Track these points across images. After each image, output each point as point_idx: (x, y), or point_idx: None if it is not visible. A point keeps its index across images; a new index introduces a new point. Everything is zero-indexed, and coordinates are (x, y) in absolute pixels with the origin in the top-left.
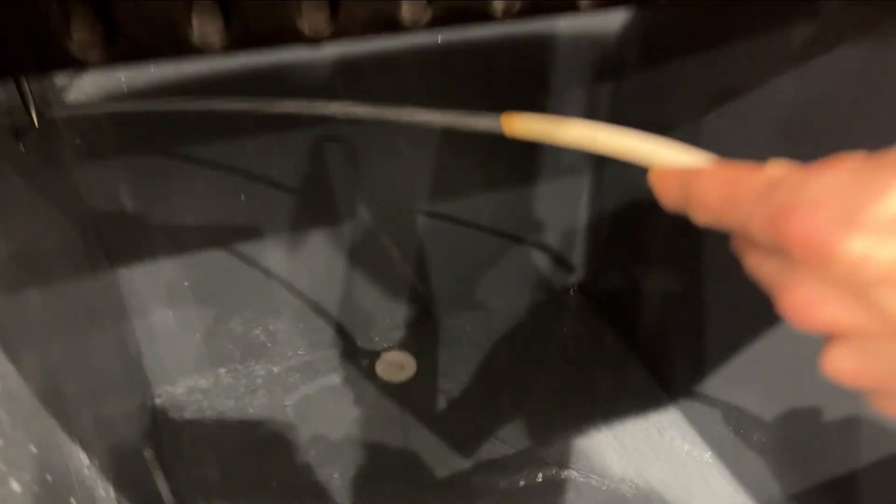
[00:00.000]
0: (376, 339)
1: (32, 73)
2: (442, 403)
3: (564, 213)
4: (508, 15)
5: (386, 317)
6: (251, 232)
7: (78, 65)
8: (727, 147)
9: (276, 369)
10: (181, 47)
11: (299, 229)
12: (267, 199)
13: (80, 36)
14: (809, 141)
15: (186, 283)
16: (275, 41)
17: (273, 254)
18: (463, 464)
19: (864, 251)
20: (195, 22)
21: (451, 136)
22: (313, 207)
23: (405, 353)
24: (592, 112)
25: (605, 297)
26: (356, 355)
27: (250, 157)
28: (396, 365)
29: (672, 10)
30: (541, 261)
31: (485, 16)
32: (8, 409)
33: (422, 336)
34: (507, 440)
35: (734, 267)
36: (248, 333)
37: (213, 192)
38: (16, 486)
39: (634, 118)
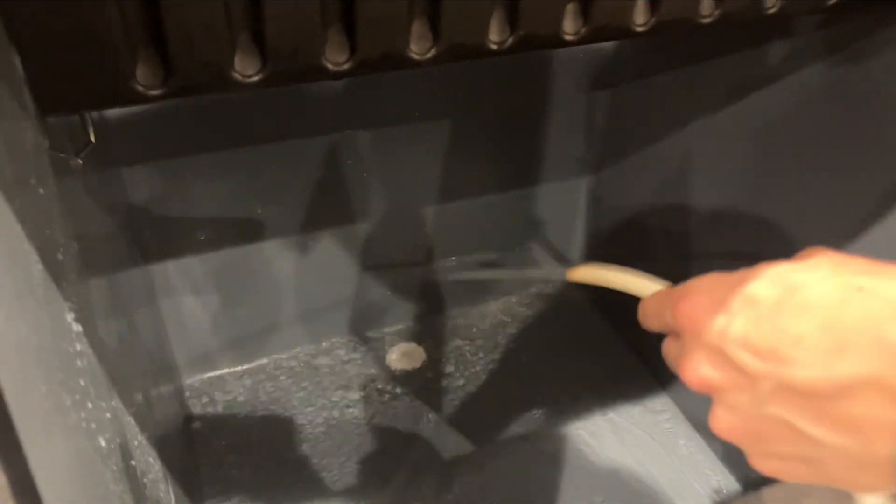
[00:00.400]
0: (388, 330)
1: (104, 108)
2: (450, 390)
3: (564, 211)
4: (503, 50)
5: (397, 310)
6: (269, 231)
7: (142, 100)
8: (709, 159)
9: (292, 361)
10: (225, 83)
11: (314, 228)
12: (283, 201)
13: (144, 75)
14: (782, 152)
15: (210, 280)
16: (303, 78)
17: (290, 251)
18: (468, 446)
19: (723, 324)
20: (237, 61)
21: (456, 142)
22: (327, 208)
23: (415, 344)
24: (590, 120)
25: (602, 290)
26: (369, 345)
27: (267, 162)
28: (407, 355)
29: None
30: (542, 257)
31: (482, 52)
32: (91, 381)
33: (430, 328)
34: (511, 424)
35: (716, 263)
36: (266, 326)
37: (234, 194)
38: (102, 443)
39: (629, 128)
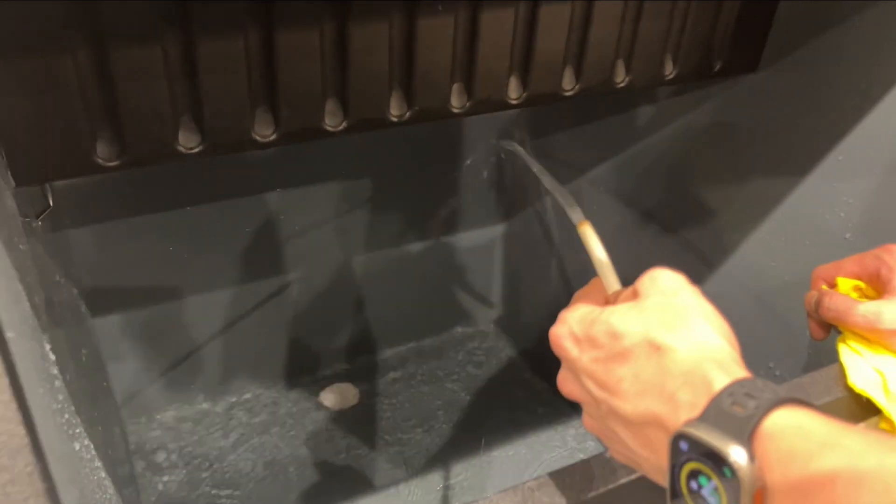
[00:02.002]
0: (322, 372)
1: (69, 178)
2: (381, 425)
3: (482, 259)
4: (402, 122)
5: (330, 352)
6: (205, 284)
7: (101, 171)
8: (598, 197)
9: (233, 402)
10: (171, 155)
11: (249, 280)
12: (218, 256)
13: (102, 150)
14: (684, 180)
15: (148, 330)
16: (236, 149)
17: (225, 302)
18: (399, 474)
19: (576, 355)
20: (180, 136)
21: (378, 197)
22: (260, 261)
23: (348, 384)
24: (500, 174)
25: (519, 328)
26: (303, 387)
27: (201, 222)
28: (341, 394)
29: None
30: (465, 300)
31: (385, 123)
32: (65, 398)
33: (364, 368)
34: (438, 454)
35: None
36: (201, 371)
37: (169, 252)
38: (77, 447)
39: (532, 179)
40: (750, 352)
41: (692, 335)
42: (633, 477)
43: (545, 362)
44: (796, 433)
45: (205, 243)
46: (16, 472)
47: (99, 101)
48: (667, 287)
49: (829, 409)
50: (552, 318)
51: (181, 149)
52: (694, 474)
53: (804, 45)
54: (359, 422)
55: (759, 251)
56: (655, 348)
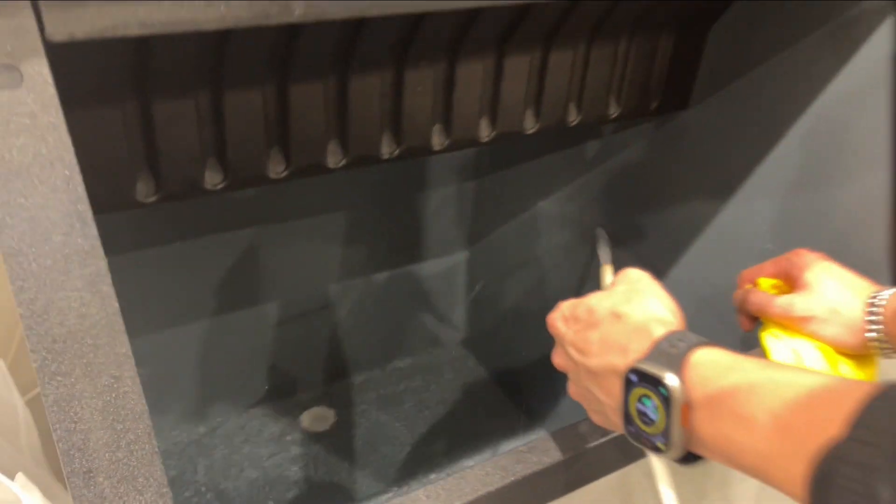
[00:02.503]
0: (301, 396)
1: (111, 211)
2: (358, 445)
3: (447, 283)
4: (392, 158)
5: (308, 377)
6: (187, 314)
7: (139, 206)
8: (552, 225)
9: (213, 426)
10: (199, 191)
11: (231, 310)
12: (201, 287)
13: (141, 189)
14: (630, 203)
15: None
16: (254, 183)
17: (212, 331)
18: (377, 488)
19: (564, 331)
20: (207, 175)
21: (352, 231)
22: (244, 291)
23: (325, 407)
24: (459, 202)
25: (483, 347)
26: (283, 411)
27: (186, 256)
28: (318, 417)
29: None
30: (432, 324)
31: (378, 160)
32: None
33: (340, 391)
34: (413, 469)
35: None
36: (188, 398)
37: (151, 283)
38: None
39: (490, 209)
40: None
41: (645, 306)
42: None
43: (509, 378)
44: (710, 363)
45: (185, 275)
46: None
47: (140, 146)
48: (632, 278)
49: None
50: (514, 337)
51: (208, 185)
52: (640, 398)
53: (725, 86)
54: (336, 442)
55: (698, 262)
56: (617, 316)
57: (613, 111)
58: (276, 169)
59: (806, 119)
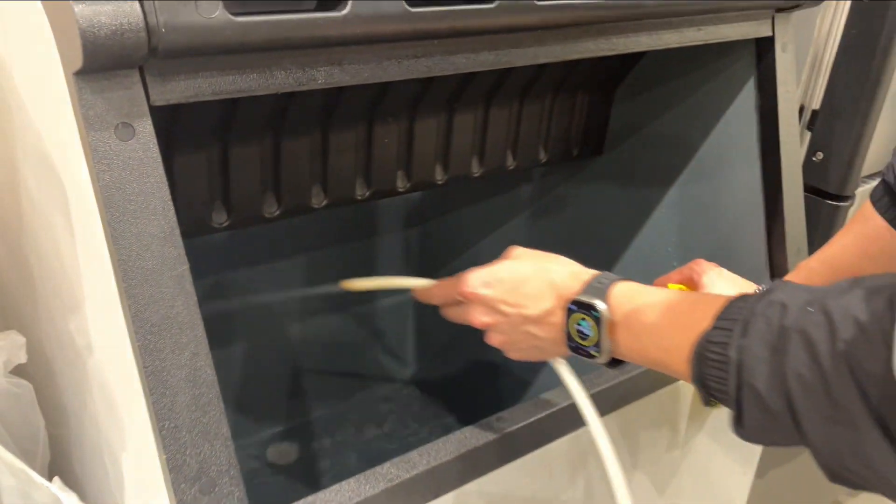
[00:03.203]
0: (264, 433)
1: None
2: (322, 479)
3: (397, 322)
4: (365, 199)
5: (272, 414)
6: None
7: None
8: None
9: None
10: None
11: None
12: None
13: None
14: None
15: None
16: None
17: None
18: None
19: (488, 291)
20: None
21: (310, 274)
22: (208, 334)
23: (289, 442)
24: (406, 248)
25: (432, 380)
26: (249, 447)
27: None
28: (283, 451)
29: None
30: (385, 360)
31: (354, 201)
32: None
33: (302, 426)
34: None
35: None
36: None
37: None
38: None
39: (437, 249)
40: None
41: (563, 263)
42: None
43: (456, 404)
44: (626, 291)
45: None
46: None
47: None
48: (522, 250)
49: None
50: (462, 371)
51: (214, 224)
52: (578, 322)
53: (632, 134)
54: (301, 475)
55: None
56: (544, 269)
57: (543, 157)
58: (270, 209)
59: (696, 158)
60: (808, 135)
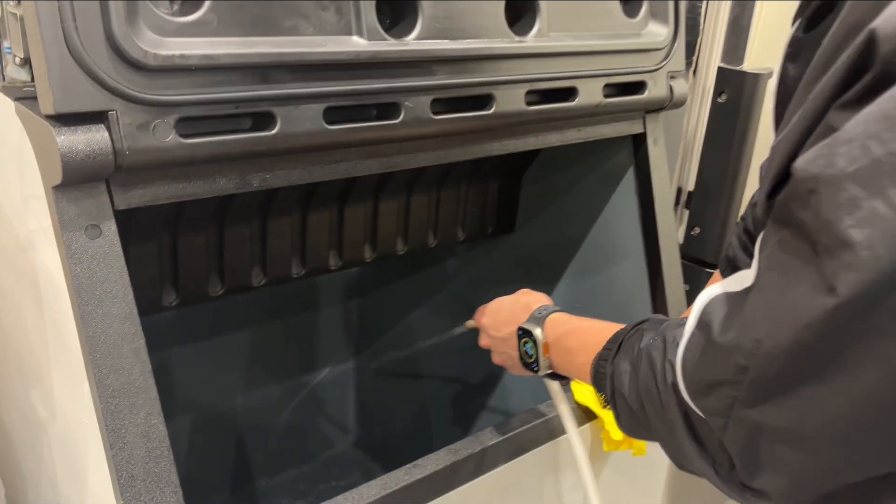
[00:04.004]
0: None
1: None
2: None
3: (339, 392)
4: (338, 269)
5: (218, 483)
6: None
7: (162, 310)
8: (426, 327)
9: None
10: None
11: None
12: None
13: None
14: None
15: None
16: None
17: None
18: None
19: (485, 321)
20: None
21: (252, 352)
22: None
23: None
24: (347, 317)
25: (372, 444)
26: None
27: None
28: None
29: None
30: (326, 427)
31: (328, 270)
32: None
33: (248, 495)
34: None
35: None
36: None
37: None
38: None
39: (374, 322)
40: None
41: (527, 296)
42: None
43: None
44: (557, 319)
45: None
46: None
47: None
48: (522, 290)
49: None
50: (399, 433)
51: (164, 304)
52: (524, 343)
53: (538, 214)
54: None
55: None
56: (515, 302)
57: (461, 236)
58: (215, 289)
59: (592, 233)
60: (686, 213)
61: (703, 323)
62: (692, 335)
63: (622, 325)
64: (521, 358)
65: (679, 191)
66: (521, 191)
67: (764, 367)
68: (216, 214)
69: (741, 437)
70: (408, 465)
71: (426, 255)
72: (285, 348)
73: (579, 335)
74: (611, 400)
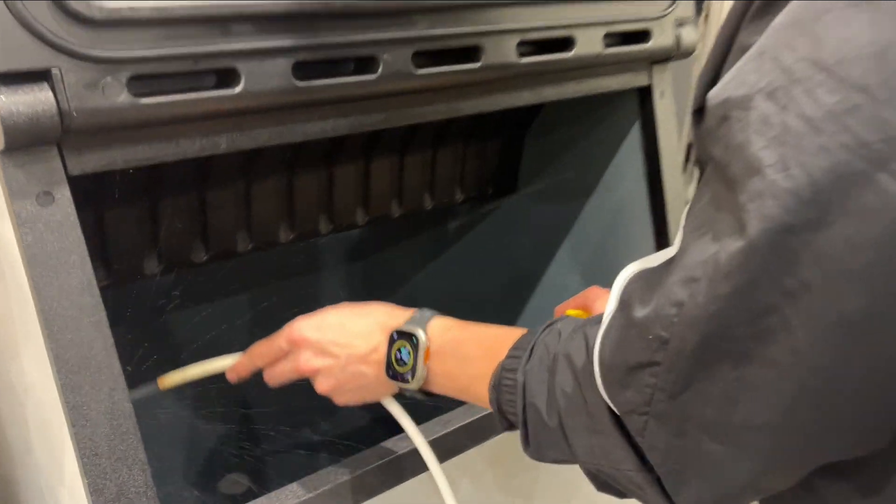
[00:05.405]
0: (215, 466)
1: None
2: None
3: None
4: (288, 242)
5: (222, 449)
6: None
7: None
8: (447, 281)
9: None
10: (138, 276)
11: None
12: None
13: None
14: (478, 270)
15: None
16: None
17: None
18: None
19: (319, 337)
20: (146, 263)
21: (254, 311)
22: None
23: (239, 473)
24: (348, 283)
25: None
26: (201, 480)
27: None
28: (234, 482)
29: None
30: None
31: (278, 243)
32: None
33: (251, 461)
34: None
35: None
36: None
37: None
38: None
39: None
40: None
41: (385, 305)
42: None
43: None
44: (444, 324)
45: None
46: None
47: (96, 241)
48: (346, 303)
49: None
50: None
51: (147, 272)
52: (398, 349)
53: (541, 174)
54: None
55: (535, 308)
56: (369, 312)
57: (459, 197)
58: (199, 255)
59: (596, 193)
60: (696, 171)
61: (623, 303)
62: (612, 318)
63: (521, 329)
64: (391, 367)
65: (689, 147)
66: (524, 149)
67: (685, 336)
68: (197, 176)
69: (663, 439)
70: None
71: (423, 218)
72: (285, 320)
73: (476, 341)
74: (520, 415)
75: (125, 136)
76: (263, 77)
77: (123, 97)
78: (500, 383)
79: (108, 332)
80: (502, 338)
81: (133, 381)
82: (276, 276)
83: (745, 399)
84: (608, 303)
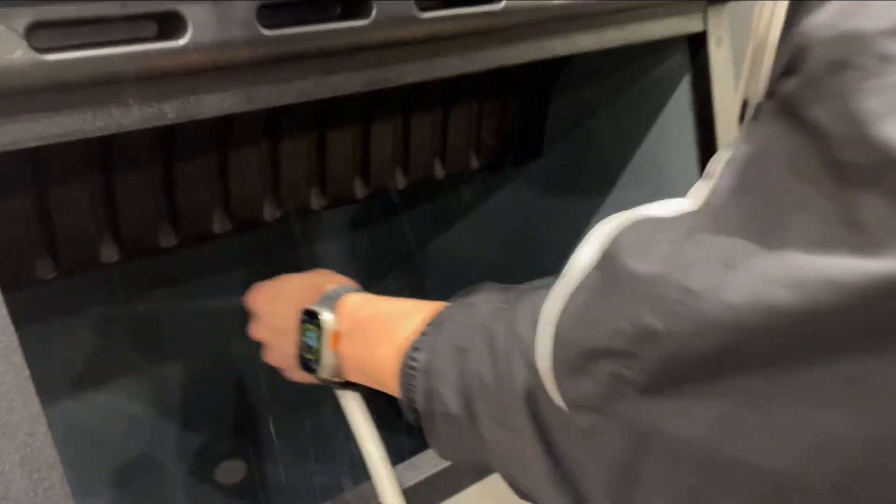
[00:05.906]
0: (214, 449)
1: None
2: (270, 492)
3: None
4: (275, 220)
5: (218, 434)
6: (98, 379)
7: (37, 282)
8: (459, 254)
9: (135, 483)
10: (92, 265)
11: (137, 374)
12: (108, 356)
13: (42, 265)
14: (498, 242)
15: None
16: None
17: (117, 396)
18: None
19: (255, 305)
20: (102, 250)
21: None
22: (149, 357)
23: (237, 461)
24: (354, 254)
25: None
26: (198, 468)
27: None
28: (231, 470)
29: None
30: None
31: (262, 222)
32: None
33: (248, 445)
34: None
35: None
36: (112, 458)
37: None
38: None
39: (380, 260)
40: None
41: (326, 277)
42: None
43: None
44: (358, 301)
45: (91, 345)
46: None
47: (38, 228)
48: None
49: None
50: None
51: (104, 260)
52: (306, 332)
53: (570, 135)
54: (250, 493)
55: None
56: (302, 286)
57: (475, 164)
58: (167, 240)
59: (636, 158)
60: None
61: (609, 257)
62: (586, 277)
63: (433, 301)
64: (300, 354)
65: (745, 104)
66: (549, 107)
67: (706, 333)
68: (159, 147)
69: (617, 447)
70: None
71: (433, 190)
72: None
73: (386, 317)
74: (425, 406)
75: (35, 104)
76: (218, 25)
77: (21, 52)
78: (406, 364)
79: (20, 361)
80: (411, 314)
81: (130, 364)
82: (261, 257)
83: (755, 430)
84: (573, 259)
